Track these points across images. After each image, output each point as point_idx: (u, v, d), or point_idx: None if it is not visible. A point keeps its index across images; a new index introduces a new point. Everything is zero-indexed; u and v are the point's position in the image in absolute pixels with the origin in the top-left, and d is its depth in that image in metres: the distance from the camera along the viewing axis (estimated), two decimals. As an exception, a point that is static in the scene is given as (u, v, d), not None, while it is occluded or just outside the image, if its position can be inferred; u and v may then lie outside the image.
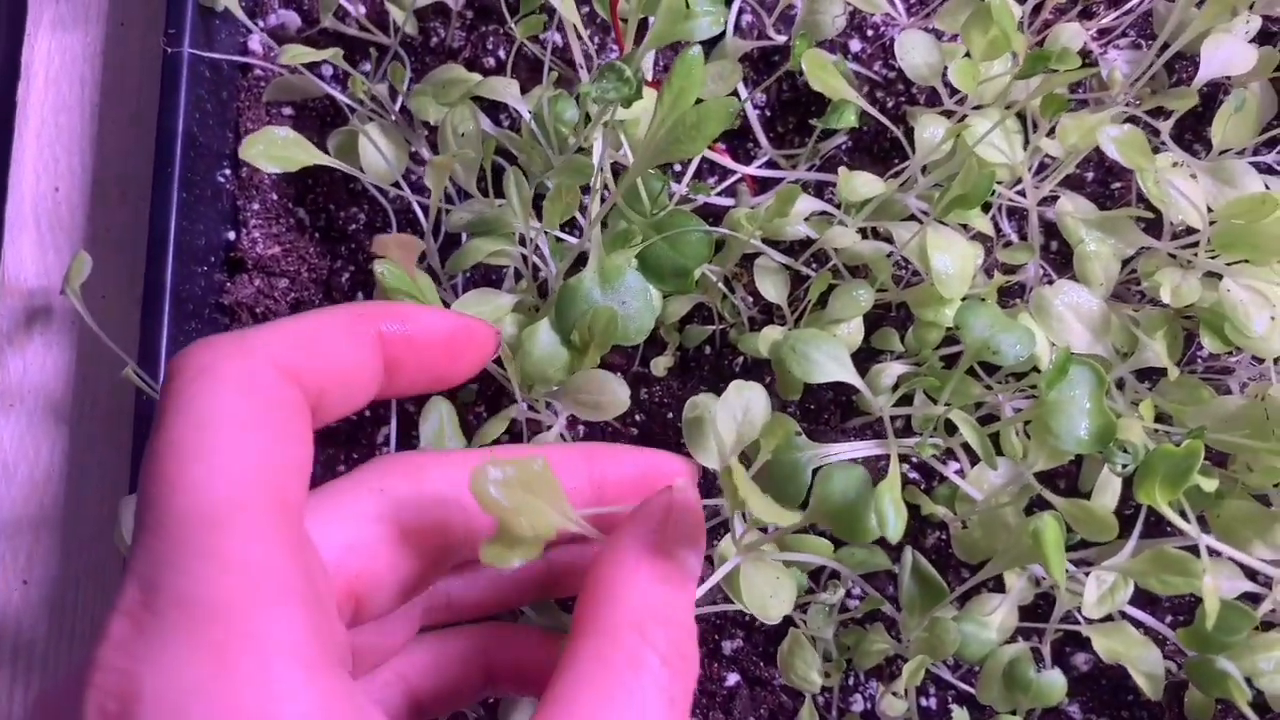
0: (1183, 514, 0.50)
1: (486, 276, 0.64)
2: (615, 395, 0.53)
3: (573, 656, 0.35)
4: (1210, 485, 0.50)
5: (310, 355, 0.37)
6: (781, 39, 0.66)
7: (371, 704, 0.32)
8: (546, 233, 0.57)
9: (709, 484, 0.62)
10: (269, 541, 0.31)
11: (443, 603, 0.45)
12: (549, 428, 0.58)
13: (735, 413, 0.53)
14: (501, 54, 0.69)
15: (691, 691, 0.37)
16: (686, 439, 0.53)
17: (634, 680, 0.34)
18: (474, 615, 0.46)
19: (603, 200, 0.57)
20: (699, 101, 0.46)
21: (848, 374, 0.54)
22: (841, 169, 0.56)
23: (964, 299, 0.56)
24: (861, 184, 0.56)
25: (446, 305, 0.60)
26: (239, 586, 0.30)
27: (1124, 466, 0.51)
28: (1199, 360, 0.63)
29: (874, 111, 0.60)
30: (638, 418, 0.64)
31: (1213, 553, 0.50)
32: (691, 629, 0.38)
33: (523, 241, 0.57)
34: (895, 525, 0.45)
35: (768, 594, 0.51)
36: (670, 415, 0.63)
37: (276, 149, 0.54)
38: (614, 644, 0.35)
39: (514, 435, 0.58)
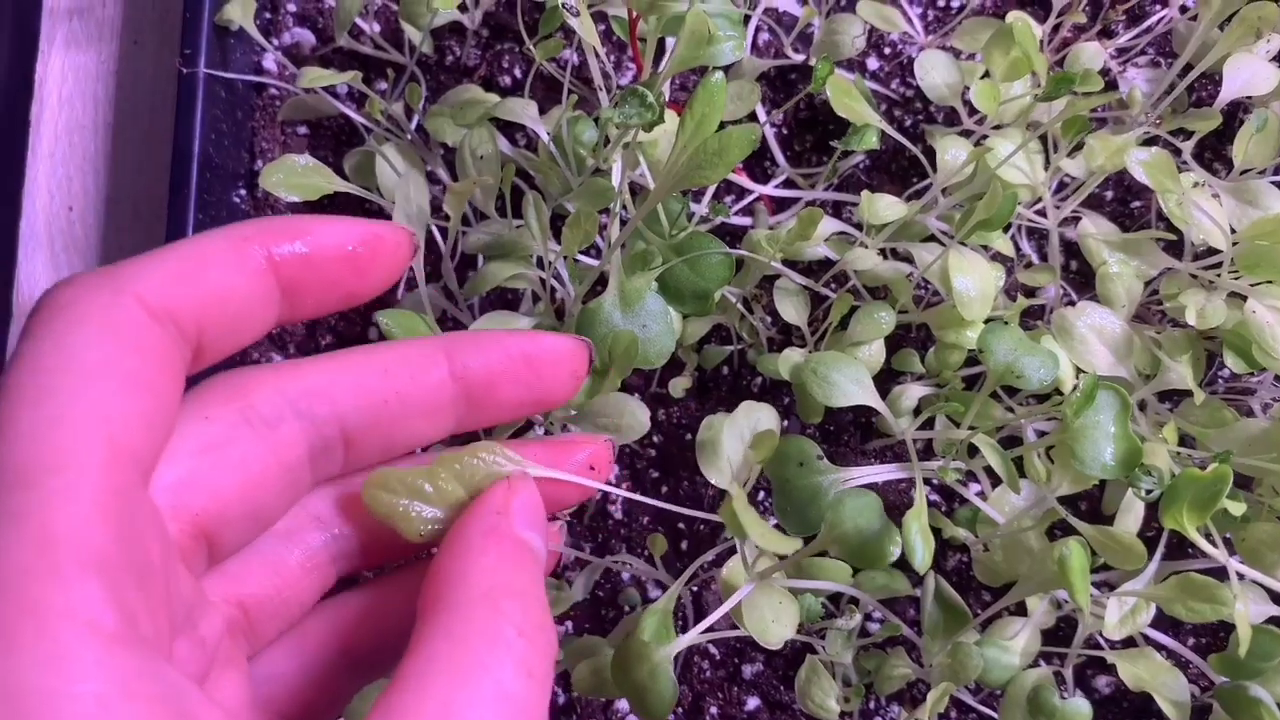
0: (1209, 538, 0.50)
1: (502, 296, 0.64)
2: (635, 418, 0.52)
3: (421, 637, 0.33)
4: (1239, 509, 0.49)
5: (189, 290, 0.34)
6: (799, 58, 0.66)
7: (189, 683, 0.29)
8: (565, 256, 0.56)
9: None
10: (81, 505, 0.28)
11: (354, 548, 0.40)
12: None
13: (743, 433, 0.52)
14: (518, 73, 0.69)
15: (553, 665, 0.34)
16: (699, 459, 0.53)
17: (489, 655, 0.32)
18: (397, 558, 0.42)
19: (622, 223, 0.57)
20: (721, 126, 0.46)
21: (870, 397, 0.54)
22: (865, 192, 0.56)
23: (986, 321, 0.56)
24: (884, 206, 0.56)
25: (464, 327, 0.60)
26: (35, 556, 0.27)
27: (1148, 492, 0.50)
28: (1220, 381, 0.63)
29: (893, 132, 0.60)
30: (655, 439, 0.63)
31: (1239, 576, 0.49)
32: (545, 602, 0.35)
33: (540, 264, 0.57)
34: (923, 556, 0.44)
35: (769, 618, 0.51)
36: (688, 437, 0.63)
37: (296, 177, 0.54)
38: (465, 620, 0.33)
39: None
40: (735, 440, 0.52)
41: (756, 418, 0.52)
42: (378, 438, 0.39)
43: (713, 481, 0.52)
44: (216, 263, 0.35)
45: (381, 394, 0.38)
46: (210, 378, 0.37)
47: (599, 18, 0.66)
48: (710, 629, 0.49)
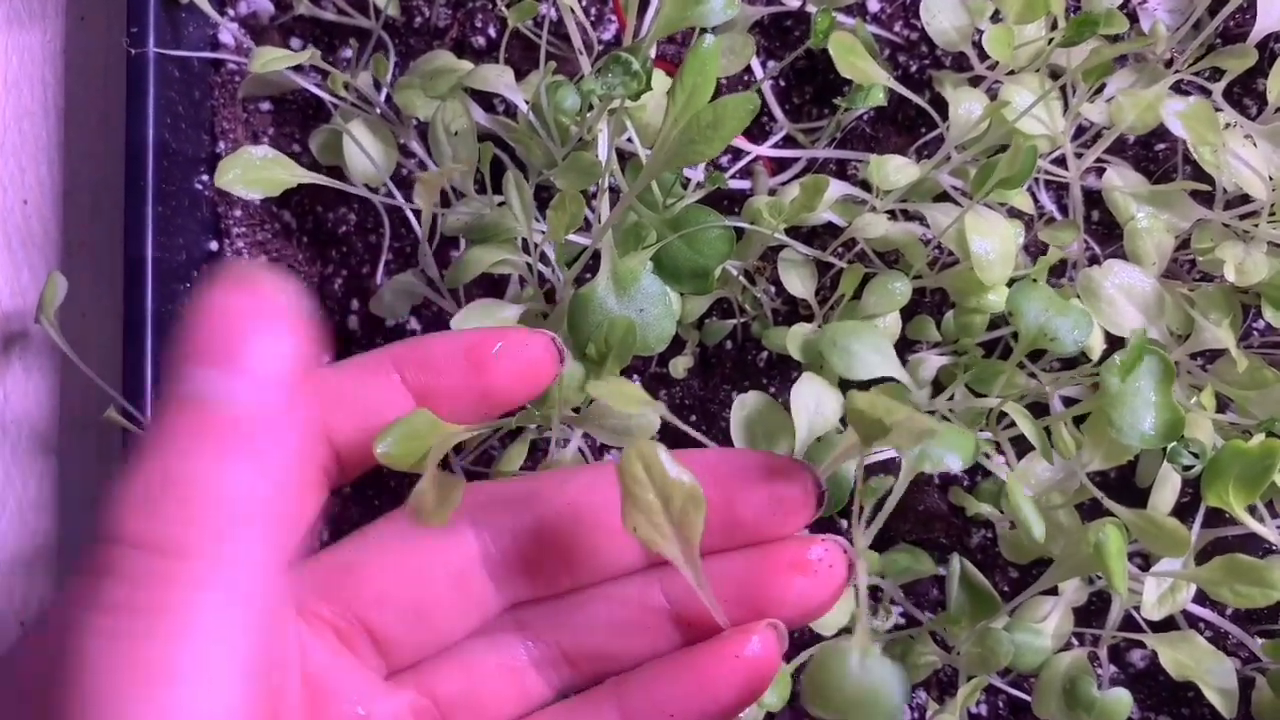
0: (1256, 515, 0.46)
1: (489, 278, 0.60)
2: (644, 419, 0.49)
3: None
4: (1288, 483, 0.46)
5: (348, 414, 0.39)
6: (795, 4, 0.61)
7: None
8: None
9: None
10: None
11: (557, 655, 0.40)
12: (566, 442, 0.54)
13: (809, 404, 0.50)
14: (492, 32, 0.64)
15: None
16: (738, 440, 0.50)
17: None
18: (614, 670, 0.41)
19: (612, 191, 0.53)
20: (716, 89, 0.42)
21: (893, 368, 0.50)
22: (873, 157, 0.52)
23: (1009, 282, 0.52)
24: (894, 169, 0.51)
25: (448, 316, 0.56)
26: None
27: (1188, 468, 0.47)
28: (1254, 334, 0.59)
29: (899, 87, 0.56)
30: (659, 422, 0.60)
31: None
32: None
33: (526, 247, 0.53)
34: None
35: None
36: (694, 418, 0.60)
37: (254, 171, 0.50)
38: None
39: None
40: (803, 413, 0.49)
41: (819, 390, 0.50)
42: (559, 560, 0.40)
43: None
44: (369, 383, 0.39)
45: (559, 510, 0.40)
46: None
47: (576, -30, 0.61)
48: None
